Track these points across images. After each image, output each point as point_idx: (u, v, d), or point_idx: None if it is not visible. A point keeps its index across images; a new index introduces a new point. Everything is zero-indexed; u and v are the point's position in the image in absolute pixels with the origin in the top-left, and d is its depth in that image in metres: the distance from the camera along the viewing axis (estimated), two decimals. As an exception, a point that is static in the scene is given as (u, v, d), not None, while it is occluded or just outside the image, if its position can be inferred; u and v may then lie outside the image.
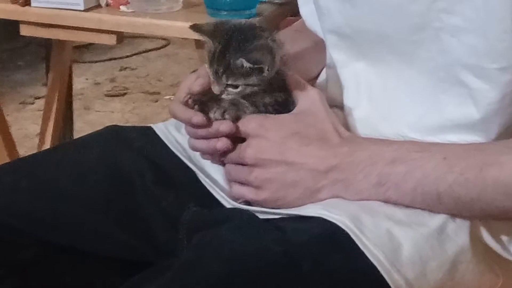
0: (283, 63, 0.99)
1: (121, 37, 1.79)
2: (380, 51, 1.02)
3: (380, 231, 0.89)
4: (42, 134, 2.34)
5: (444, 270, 0.91)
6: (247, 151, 0.97)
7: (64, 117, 2.38)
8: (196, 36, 1.02)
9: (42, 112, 2.37)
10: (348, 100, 1.07)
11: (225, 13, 1.65)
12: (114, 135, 1.14)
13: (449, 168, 0.91)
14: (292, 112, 0.99)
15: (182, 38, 2.11)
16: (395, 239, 0.89)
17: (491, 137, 0.97)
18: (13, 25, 1.88)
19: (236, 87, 0.97)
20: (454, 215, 0.94)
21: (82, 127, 2.86)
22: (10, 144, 2.15)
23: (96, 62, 3.71)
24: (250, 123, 0.98)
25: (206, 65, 0.98)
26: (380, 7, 0.99)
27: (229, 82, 0.97)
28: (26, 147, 2.70)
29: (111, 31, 1.75)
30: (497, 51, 0.93)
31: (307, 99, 1.00)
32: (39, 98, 3.22)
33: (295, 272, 0.85)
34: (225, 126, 0.98)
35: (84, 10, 1.73)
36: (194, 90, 1.00)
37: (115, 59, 3.74)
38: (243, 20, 1.03)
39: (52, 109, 2.31)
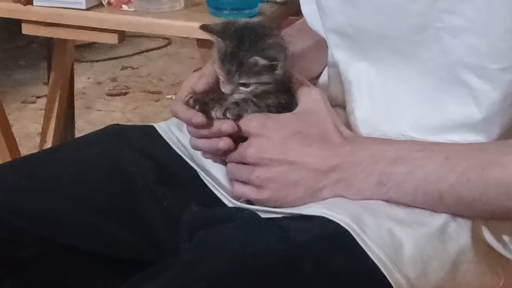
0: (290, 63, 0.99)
1: (123, 36, 1.79)
2: (381, 51, 1.02)
3: (381, 231, 0.89)
4: (43, 133, 2.34)
5: (446, 269, 0.91)
6: (249, 150, 0.97)
7: (65, 116, 2.38)
8: (202, 35, 1.02)
9: (43, 111, 2.37)
10: (350, 100, 1.07)
11: (226, 12, 1.65)
12: (115, 134, 1.14)
13: (451, 168, 0.91)
14: (294, 111, 0.99)
15: (184, 38, 2.12)
16: (396, 239, 0.89)
17: (493, 137, 0.97)
18: (15, 24, 1.88)
19: (247, 86, 0.97)
20: (455, 215, 0.94)
21: (84, 126, 2.86)
22: (11, 143, 2.15)
23: (97, 61, 3.71)
24: (252, 122, 0.98)
25: (217, 65, 0.98)
26: (381, 7, 0.99)
27: (242, 81, 0.97)
28: (28, 146, 2.70)
29: (113, 30, 1.75)
30: (499, 51, 0.93)
31: (309, 99, 1.00)
32: (40, 97, 3.22)
33: (296, 271, 0.85)
34: (226, 125, 0.98)
35: (86, 9, 1.74)
36: (198, 89, 1.00)
37: (116, 58, 3.74)
38: (250, 20, 1.03)
39: (54, 108, 2.31)
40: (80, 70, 3.39)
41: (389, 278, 0.87)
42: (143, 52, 3.83)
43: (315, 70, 1.19)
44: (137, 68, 3.68)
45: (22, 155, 2.10)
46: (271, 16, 1.70)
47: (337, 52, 1.08)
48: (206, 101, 0.99)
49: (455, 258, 0.92)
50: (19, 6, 1.78)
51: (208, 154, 1.05)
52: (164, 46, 3.90)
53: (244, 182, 0.99)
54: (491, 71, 0.94)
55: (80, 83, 3.35)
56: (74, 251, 1.05)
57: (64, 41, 2.22)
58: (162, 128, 1.15)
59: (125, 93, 3.39)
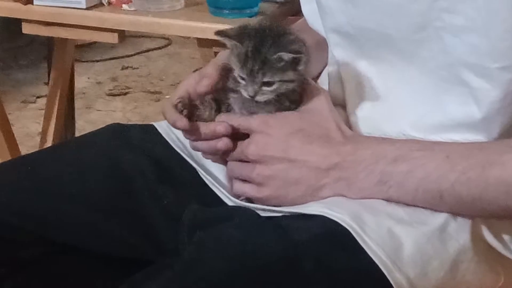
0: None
1: (123, 35, 1.80)
2: (382, 50, 1.02)
3: (381, 230, 0.89)
4: (43, 133, 2.34)
5: (446, 269, 0.91)
6: (250, 147, 0.97)
7: (65, 116, 2.38)
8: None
9: (44, 111, 2.37)
10: (350, 99, 1.07)
11: (227, 11, 1.65)
12: (115, 133, 1.14)
13: (451, 167, 0.91)
14: (297, 109, 0.99)
15: (184, 38, 2.12)
16: (396, 238, 0.89)
17: (493, 136, 0.97)
18: (15, 23, 1.88)
19: (271, 84, 0.96)
20: (455, 214, 0.94)
21: (84, 126, 2.86)
22: (12, 143, 2.15)
23: (98, 61, 3.71)
24: (254, 120, 0.98)
25: (237, 69, 0.97)
26: (381, 6, 0.99)
27: (266, 80, 0.96)
28: (28, 146, 2.70)
29: (113, 29, 1.76)
30: (499, 50, 0.93)
31: (312, 97, 1.00)
32: (41, 97, 3.22)
33: (296, 270, 0.85)
34: (221, 127, 0.98)
35: (86, 9, 1.74)
36: (200, 91, 1.00)
37: (116, 58, 3.74)
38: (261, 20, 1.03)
39: (54, 108, 2.31)
40: (80, 70, 3.39)
41: (389, 277, 0.87)
42: (143, 52, 3.83)
43: (316, 69, 1.19)
44: (138, 68, 3.68)
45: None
46: (271, 16, 1.70)
47: (337, 52, 1.08)
48: (194, 105, 0.99)
49: (455, 257, 0.91)
50: (19, 5, 1.78)
51: (208, 155, 1.05)
52: (165, 46, 3.90)
53: (245, 180, 0.99)
54: (491, 70, 0.94)
55: (80, 83, 3.34)
56: (74, 251, 1.05)
57: (65, 41, 2.22)
58: (162, 127, 1.15)
59: (126, 93, 3.39)
